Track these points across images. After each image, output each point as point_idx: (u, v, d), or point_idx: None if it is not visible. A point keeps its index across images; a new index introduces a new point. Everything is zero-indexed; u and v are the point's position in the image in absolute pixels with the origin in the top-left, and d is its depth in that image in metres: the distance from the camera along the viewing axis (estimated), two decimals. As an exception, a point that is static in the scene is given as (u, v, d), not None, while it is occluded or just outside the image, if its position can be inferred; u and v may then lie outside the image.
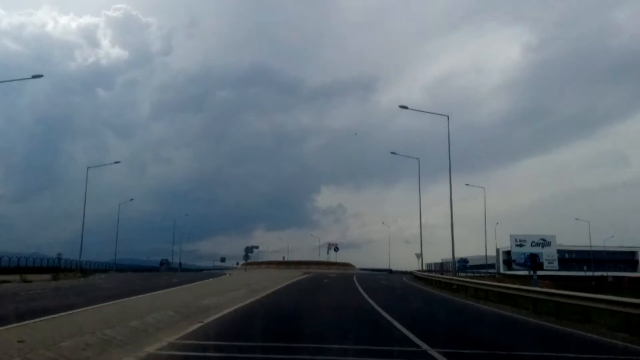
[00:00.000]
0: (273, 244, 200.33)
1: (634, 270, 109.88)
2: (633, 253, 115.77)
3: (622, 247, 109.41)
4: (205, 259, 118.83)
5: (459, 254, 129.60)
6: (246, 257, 54.93)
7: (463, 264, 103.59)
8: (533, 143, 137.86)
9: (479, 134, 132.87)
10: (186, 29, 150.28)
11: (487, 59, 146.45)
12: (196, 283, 27.15)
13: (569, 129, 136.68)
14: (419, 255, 51.29)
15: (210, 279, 32.46)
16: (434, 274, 39.13)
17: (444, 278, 31.76)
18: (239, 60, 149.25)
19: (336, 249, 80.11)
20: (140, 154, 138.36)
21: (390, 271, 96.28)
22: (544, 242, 41.79)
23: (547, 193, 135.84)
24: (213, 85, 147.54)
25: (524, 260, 40.66)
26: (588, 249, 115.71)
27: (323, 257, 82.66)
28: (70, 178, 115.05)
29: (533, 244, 41.35)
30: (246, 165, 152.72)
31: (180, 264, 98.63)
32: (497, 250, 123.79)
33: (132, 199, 72.79)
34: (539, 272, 56.47)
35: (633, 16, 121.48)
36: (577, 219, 76.89)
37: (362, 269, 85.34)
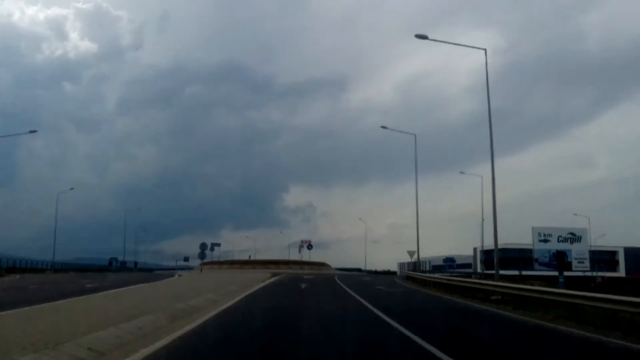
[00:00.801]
0: (241, 243, 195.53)
1: (614, 270, 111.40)
2: (613, 253, 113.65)
3: (602, 247, 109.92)
4: (170, 259, 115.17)
5: (443, 253, 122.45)
6: (202, 255, 45.15)
7: (449, 263, 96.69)
8: (500, 144, 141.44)
9: (447, 134, 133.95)
10: (157, 24, 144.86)
11: (457, 60, 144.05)
12: (109, 292, 17.65)
13: (535, 131, 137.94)
14: (413, 253, 42.96)
15: (141, 285, 22.90)
16: (452, 277, 30.73)
17: (467, 282, 23.16)
18: (210, 56, 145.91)
19: (310, 247, 71.06)
20: (104, 150, 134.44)
21: (359, 270, 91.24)
22: (573, 237, 34.24)
23: (514, 194, 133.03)
24: (183, 80, 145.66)
25: (548, 259, 33.14)
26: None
27: (294, 256, 73.72)
28: (30, 174, 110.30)
29: (560, 239, 33.73)
30: (214, 162, 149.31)
31: (135, 263, 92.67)
32: (475, 249, 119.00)
33: (72, 188, 63.32)
34: (526, 272, 52.11)
35: (598, 21, 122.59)
36: (575, 214, 70.86)
37: (338, 269, 78.11)
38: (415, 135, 36.68)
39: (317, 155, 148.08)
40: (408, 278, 41.11)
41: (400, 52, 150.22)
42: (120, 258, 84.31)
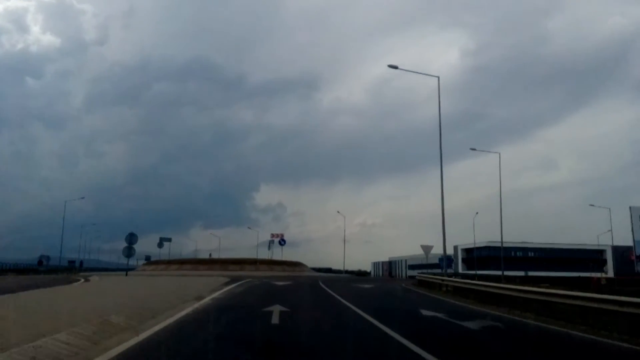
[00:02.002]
0: (211, 242, 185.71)
1: (601, 270, 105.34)
2: (601, 252, 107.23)
3: (588, 245, 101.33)
4: (134, 258, 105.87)
5: (419, 252, 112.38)
6: (128, 251, 31.16)
7: (441, 263, 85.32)
8: (468, 145, 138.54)
9: (417, 135, 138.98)
10: (124, 19, 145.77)
11: (428, 61, 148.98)
12: None
13: (502, 133, 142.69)
14: (429, 248, 30.53)
15: None
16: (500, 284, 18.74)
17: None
18: (178, 53, 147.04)
19: (282, 242, 57.79)
20: (70, 147, 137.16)
21: (330, 269, 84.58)
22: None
23: (481, 194, 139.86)
24: (151, 77, 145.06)
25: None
26: (555, 246, 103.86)
27: (264, 255, 60.39)
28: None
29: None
30: (184, 161, 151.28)
31: (81, 262, 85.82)
32: (455, 248, 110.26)
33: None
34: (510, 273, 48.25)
35: (563, 26, 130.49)
36: (591, 204, 61.04)
37: (314, 269, 66.04)
38: (438, 78, 29.44)
39: (288, 154, 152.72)
40: (421, 283, 28.72)
41: (373, 52, 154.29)
42: (75, 257, 78.32)
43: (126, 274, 33.74)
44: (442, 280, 24.93)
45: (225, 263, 53.95)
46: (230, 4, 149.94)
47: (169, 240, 63.67)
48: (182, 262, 56.03)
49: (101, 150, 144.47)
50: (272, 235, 59.36)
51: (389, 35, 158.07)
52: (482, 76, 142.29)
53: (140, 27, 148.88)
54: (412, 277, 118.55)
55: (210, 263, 55.37)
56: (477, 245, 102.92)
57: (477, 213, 74.53)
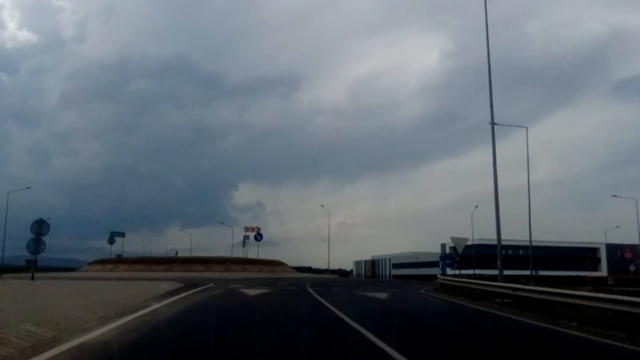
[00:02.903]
0: (188, 241, 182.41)
1: (595, 269, 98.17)
2: (594, 250, 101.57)
3: (582, 243, 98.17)
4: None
5: (401, 250, 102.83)
6: (35, 246, 21.57)
7: (447, 262, 76.06)
8: (447, 145, 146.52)
9: (397, 135, 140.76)
10: (103, 16, 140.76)
11: (408, 62, 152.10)
12: None
13: (480, 133, 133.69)
14: (463, 241, 22.03)
15: None
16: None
17: None
18: (158, 50, 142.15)
19: (258, 238, 48.49)
20: (45, 145, 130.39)
21: (309, 268, 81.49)
22: None
23: (459, 193, 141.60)
24: (129, 75, 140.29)
25: None
26: (547, 244, 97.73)
27: (241, 254, 50.99)
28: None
29: None
30: (161, 159, 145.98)
31: (35, 262, 73.23)
32: (444, 245, 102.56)
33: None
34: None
35: (542, 30, 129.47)
36: (614, 195, 53.87)
37: (294, 268, 60.81)
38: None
39: (268, 153, 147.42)
40: (449, 290, 20.13)
41: (353, 52, 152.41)
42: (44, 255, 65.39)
43: (32, 278, 24.00)
44: (498, 287, 16.30)
45: (188, 263, 44.57)
46: (210, 2, 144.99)
47: (122, 235, 53.88)
48: (134, 262, 46.21)
49: (77, 148, 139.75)
50: (247, 230, 50.10)
51: (370, 36, 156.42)
52: (461, 78, 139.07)
53: (120, 25, 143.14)
54: (398, 278, 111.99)
55: (170, 263, 45.74)
56: (467, 243, 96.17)
57: (476, 207, 67.00)
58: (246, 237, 52.83)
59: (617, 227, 70.33)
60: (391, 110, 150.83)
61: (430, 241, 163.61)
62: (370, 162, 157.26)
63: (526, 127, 35.55)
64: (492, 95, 20.16)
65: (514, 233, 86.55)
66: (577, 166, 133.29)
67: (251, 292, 17.97)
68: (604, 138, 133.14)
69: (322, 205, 66.57)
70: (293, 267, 61.79)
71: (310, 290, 20.27)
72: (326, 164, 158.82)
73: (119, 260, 48.42)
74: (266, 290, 19.11)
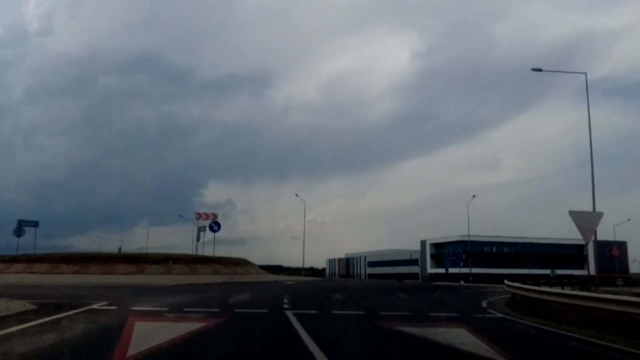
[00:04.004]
0: (155, 240, 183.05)
1: (581, 267, 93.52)
2: (581, 247, 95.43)
3: (567, 239, 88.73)
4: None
5: (376, 248, 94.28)
6: None
7: (452, 259, 66.04)
8: (418, 144, 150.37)
9: (370, 133, 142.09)
10: (69, 9, 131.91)
11: (380, 61, 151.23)
12: None
13: (450, 133, 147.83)
14: (597, 217, 11.29)
15: None
16: None
17: None
18: (126, 45, 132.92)
19: (214, 227, 36.52)
20: (8, 141, 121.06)
21: (280, 267, 77.07)
22: None
23: (429, 192, 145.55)
24: (97, 70, 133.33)
25: None
26: (532, 241, 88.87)
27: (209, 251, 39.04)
28: None
29: None
30: (130, 156, 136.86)
31: None
32: (424, 242, 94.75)
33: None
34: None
35: (510, 32, 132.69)
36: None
37: (262, 267, 53.86)
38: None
39: (239, 151, 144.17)
40: (530, 307, 9.72)
41: (326, 51, 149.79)
42: None
43: None
44: None
45: (111, 262, 32.49)
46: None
47: (35, 224, 41.24)
48: (36, 260, 33.46)
49: (42, 144, 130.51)
50: (199, 216, 38.28)
51: (343, 34, 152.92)
52: (432, 77, 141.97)
53: (87, 19, 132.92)
54: (375, 277, 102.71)
55: (85, 262, 33.20)
56: (448, 240, 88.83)
57: (474, 196, 58.12)
58: (201, 229, 40.99)
59: (628, 220, 62.67)
60: (364, 109, 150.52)
61: (405, 239, 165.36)
62: (342, 161, 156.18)
63: (585, 73, 26.09)
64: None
65: (489, 230, 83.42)
66: (544, 165, 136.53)
67: (138, 344, 6.70)
68: (570, 138, 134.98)
69: (296, 195, 57.56)
70: (261, 267, 51.35)
71: (295, 325, 9.21)
72: (298, 162, 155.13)
73: (15, 258, 35.88)
74: (190, 328, 7.95)
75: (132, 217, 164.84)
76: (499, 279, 33.16)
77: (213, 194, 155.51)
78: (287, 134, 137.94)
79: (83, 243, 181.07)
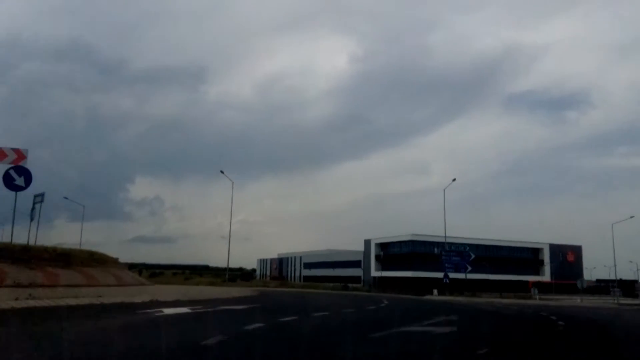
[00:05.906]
0: (77, 236, 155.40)
1: (537, 273, 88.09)
2: (536, 251, 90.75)
3: (523, 242, 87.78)
4: None
5: (313, 249, 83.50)
6: None
7: (456, 260, 47.79)
8: (351, 148, 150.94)
9: (303, 135, 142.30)
10: None
11: (317, 63, 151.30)
12: None
13: (382, 138, 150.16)
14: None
15: None
16: None
17: None
18: (53, 31, 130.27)
19: (15, 180, 20.65)
20: None
21: (207, 267, 73.29)
22: None
23: (361, 194, 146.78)
24: (19, 56, 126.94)
25: None
26: (488, 243, 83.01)
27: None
28: None
29: None
30: (52, 147, 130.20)
31: None
32: (368, 242, 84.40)
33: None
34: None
35: (444, 41, 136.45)
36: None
37: (189, 266, 59.74)
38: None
39: (169, 146, 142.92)
40: None
41: (264, 50, 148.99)
42: None
43: None
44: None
45: None
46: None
47: None
48: None
49: None
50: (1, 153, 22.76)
51: (281, 34, 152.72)
52: (368, 82, 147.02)
53: (9, 1, 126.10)
54: (311, 280, 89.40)
55: None
56: (397, 239, 78.61)
57: (454, 179, 46.58)
58: (37, 198, 25.03)
59: (632, 217, 52.03)
60: (299, 110, 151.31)
61: (339, 240, 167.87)
62: (275, 161, 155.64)
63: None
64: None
65: (419, 229, 77.68)
66: (471, 172, 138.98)
67: None
68: (495, 147, 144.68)
69: (221, 172, 47.16)
70: (187, 266, 37.37)
71: None
72: (230, 161, 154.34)
73: None
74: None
75: (52, 212, 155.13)
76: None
77: (140, 190, 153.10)
78: (220, 131, 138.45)
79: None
